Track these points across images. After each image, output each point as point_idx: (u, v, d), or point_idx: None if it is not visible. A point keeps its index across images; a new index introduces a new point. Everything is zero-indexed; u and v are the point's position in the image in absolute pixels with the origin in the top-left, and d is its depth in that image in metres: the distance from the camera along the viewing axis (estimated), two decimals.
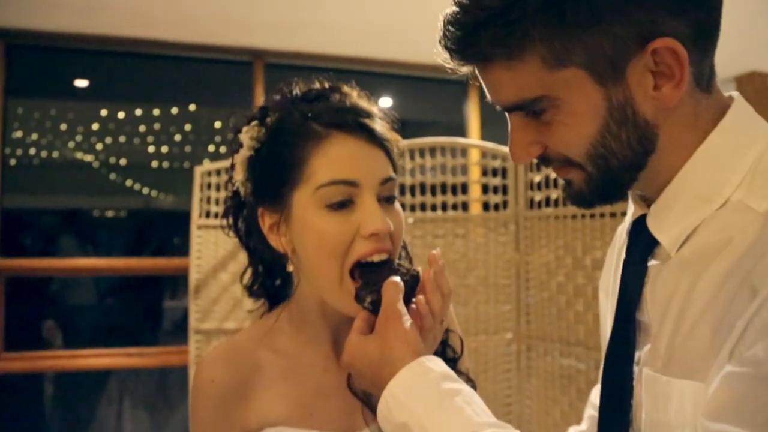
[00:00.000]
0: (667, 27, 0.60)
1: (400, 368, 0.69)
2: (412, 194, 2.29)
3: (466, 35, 0.63)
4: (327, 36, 3.27)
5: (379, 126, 0.83)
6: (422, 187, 2.29)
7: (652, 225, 0.69)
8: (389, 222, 0.79)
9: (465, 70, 0.69)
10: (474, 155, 2.36)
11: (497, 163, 2.32)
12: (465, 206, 2.35)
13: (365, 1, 2.86)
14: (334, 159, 0.79)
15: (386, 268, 0.80)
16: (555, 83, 0.62)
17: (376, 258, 0.80)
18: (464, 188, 2.33)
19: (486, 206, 2.35)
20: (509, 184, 2.31)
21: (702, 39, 0.63)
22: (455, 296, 2.32)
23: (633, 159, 0.65)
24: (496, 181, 2.31)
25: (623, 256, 0.78)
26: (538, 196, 2.22)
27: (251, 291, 0.94)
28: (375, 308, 0.77)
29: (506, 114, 0.70)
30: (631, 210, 0.77)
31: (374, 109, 0.86)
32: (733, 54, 3.48)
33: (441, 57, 0.68)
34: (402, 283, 0.77)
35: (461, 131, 3.83)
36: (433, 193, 2.29)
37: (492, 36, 0.61)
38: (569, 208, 2.10)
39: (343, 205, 0.79)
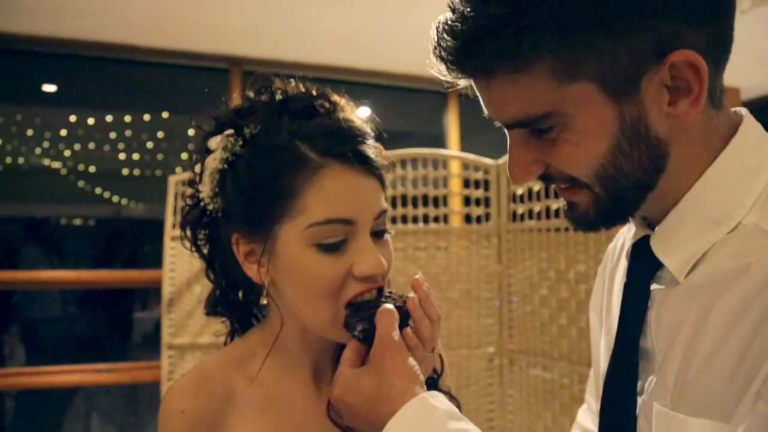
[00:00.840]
0: (687, 39, 0.57)
1: (400, 405, 0.64)
2: (393, 206, 2.25)
3: (467, 45, 0.58)
4: (305, 44, 3.23)
5: (372, 150, 0.76)
6: (403, 198, 2.25)
7: (657, 248, 0.65)
8: (384, 262, 0.74)
9: (462, 83, 0.64)
10: (455, 167, 2.33)
11: (479, 175, 2.29)
12: (446, 218, 2.32)
13: (344, 10, 2.83)
14: (331, 194, 0.71)
15: (377, 295, 0.75)
16: (564, 99, 0.58)
17: (367, 296, 0.75)
18: (446, 200, 2.31)
19: (468, 218, 2.32)
20: (491, 196, 2.29)
21: (719, 52, 0.61)
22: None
23: (643, 179, 0.62)
24: (478, 193, 2.29)
25: (618, 277, 0.75)
26: (520, 209, 2.20)
27: (214, 310, 0.85)
28: (366, 337, 0.72)
29: (505, 130, 0.66)
30: (631, 231, 0.73)
31: (366, 129, 0.78)
32: None
33: (435, 69, 0.62)
34: (396, 311, 0.72)
35: (440, 141, 3.81)
36: (415, 205, 2.26)
37: (497, 47, 0.55)
38: (552, 221, 2.08)
39: (338, 246, 0.72)
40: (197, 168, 0.80)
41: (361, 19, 2.93)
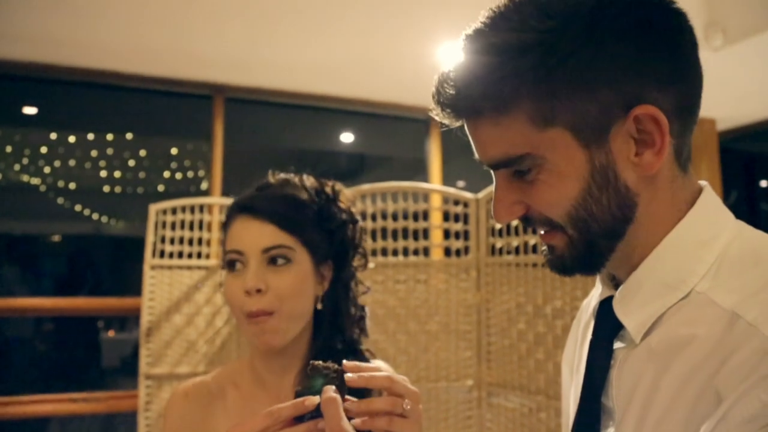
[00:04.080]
0: (651, 97, 0.61)
1: None
2: (374, 239, 2.27)
3: (460, 90, 0.63)
4: (288, 73, 3.25)
5: (284, 206, 1.03)
6: (383, 231, 2.27)
7: (618, 308, 0.68)
8: (260, 283, 0.99)
9: (457, 125, 0.69)
10: (436, 200, 2.36)
11: (459, 209, 2.32)
12: (426, 251, 2.34)
13: (326, 40, 2.86)
14: (231, 234, 1.04)
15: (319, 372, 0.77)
16: (541, 142, 0.62)
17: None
18: (426, 233, 2.33)
19: (447, 252, 2.34)
20: (471, 230, 2.31)
21: (684, 112, 0.65)
22: (417, 342, 2.30)
23: (612, 225, 0.65)
24: (458, 226, 2.31)
25: (589, 335, 0.78)
26: (499, 243, 2.23)
27: None
28: (315, 411, 0.74)
29: (492, 173, 0.70)
30: (599, 290, 0.76)
31: (298, 193, 1.06)
32: None
33: (434, 113, 0.68)
34: (338, 398, 0.74)
35: (422, 167, 3.84)
36: (395, 238, 2.28)
37: (483, 91, 0.62)
38: (530, 256, 2.11)
39: (237, 269, 1.02)
40: None
41: (343, 48, 2.96)
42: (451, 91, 0.64)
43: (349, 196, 1.17)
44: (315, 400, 0.73)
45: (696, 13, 2.82)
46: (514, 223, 2.16)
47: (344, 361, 0.78)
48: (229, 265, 1.03)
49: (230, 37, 2.80)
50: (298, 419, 0.74)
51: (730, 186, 4.30)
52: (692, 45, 0.66)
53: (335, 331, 1.07)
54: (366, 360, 1.07)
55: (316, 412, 0.73)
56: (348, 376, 0.76)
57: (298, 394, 0.76)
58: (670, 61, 0.62)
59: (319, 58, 3.04)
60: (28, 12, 2.53)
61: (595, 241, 0.65)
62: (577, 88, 0.60)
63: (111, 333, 4.55)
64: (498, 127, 0.63)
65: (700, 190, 0.68)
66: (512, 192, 0.67)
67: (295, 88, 3.45)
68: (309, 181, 1.10)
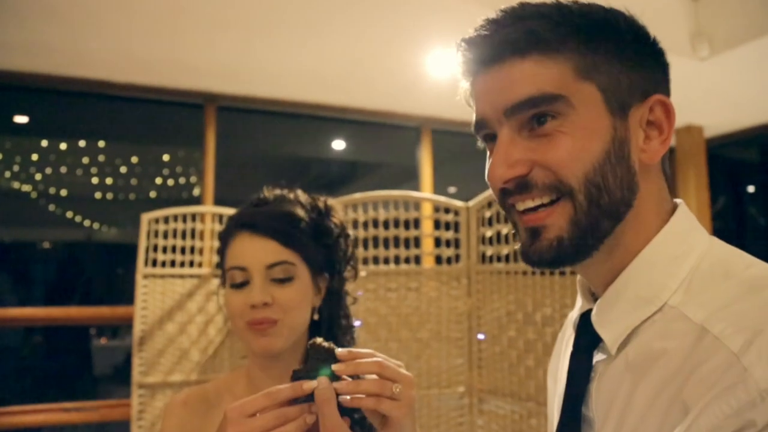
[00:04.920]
0: (664, 87, 0.69)
1: None
2: (365, 247, 2.29)
3: (506, 26, 0.66)
4: (280, 82, 3.27)
5: (285, 223, 1.08)
6: (375, 240, 2.29)
7: (596, 321, 0.70)
8: (266, 297, 1.04)
9: (479, 72, 0.69)
10: (427, 209, 2.38)
11: (450, 217, 2.35)
12: (418, 259, 2.36)
13: (319, 49, 2.88)
14: (233, 251, 1.08)
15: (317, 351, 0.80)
16: (576, 91, 0.65)
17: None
18: (417, 241, 2.35)
19: (438, 260, 2.37)
20: (461, 238, 2.34)
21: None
22: (408, 350, 2.32)
23: (618, 204, 0.66)
24: (449, 234, 2.34)
25: (570, 347, 0.80)
26: (489, 251, 2.26)
27: None
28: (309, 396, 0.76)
29: (497, 132, 0.68)
30: (579, 304, 0.79)
31: (296, 210, 1.10)
32: None
33: (460, 55, 0.70)
34: (334, 395, 0.75)
35: (413, 174, 3.87)
36: (386, 246, 2.30)
37: (535, 30, 0.65)
38: (520, 264, 2.13)
39: (241, 285, 1.07)
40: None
41: (334, 57, 2.98)
42: (495, 27, 0.67)
43: (339, 209, 1.21)
44: (312, 384, 0.75)
45: (683, 23, 2.86)
46: (504, 231, 2.19)
47: (337, 349, 0.80)
48: (232, 280, 1.07)
49: (222, 46, 2.81)
50: (294, 401, 0.76)
51: (717, 191, 4.35)
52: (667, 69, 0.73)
53: (330, 340, 1.10)
54: None
55: (311, 396, 0.75)
56: (335, 366, 0.78)
57: (295, 375, 0.78)
58: (667, 80, 0.71)
59: (310, 66, 3.06)
60: (20, 22, 2.53)
61: (600, 218, 0.65)
62: (615, 58, 0.66)
63: (103, 340, 4.54)
64: (540, 66, 0.65)
65: (676, 207, 0.71)
66: (518, 148, 0.66)
67: (287, 97, 3.47)
68: (303, 196, 1.15)
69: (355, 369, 0.78)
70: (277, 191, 1.16)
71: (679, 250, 0.67)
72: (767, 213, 4.45)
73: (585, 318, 0.73)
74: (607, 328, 0.69)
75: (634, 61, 0.67)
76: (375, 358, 0.80)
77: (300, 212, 1.11)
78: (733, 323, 0.57)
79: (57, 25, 2.58)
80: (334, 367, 0.78)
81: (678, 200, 0.73)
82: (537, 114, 0.64)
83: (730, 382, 0.54)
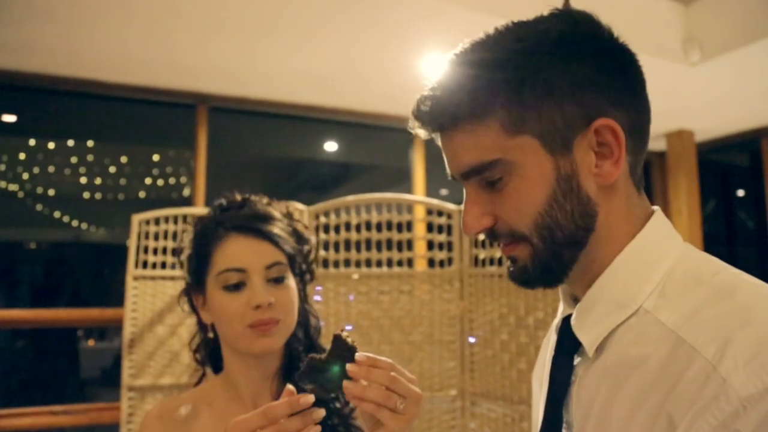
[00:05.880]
0: (609, 113, 0.68)
1: None
2: (358, 250, 2.28)
3: (441, 100, 0.69)
4: (272, 83, 3.26)
5: (273, 225, 1.10)
6: (368, 243, 2.28)
7: (575, 325, 0.72)
8: (270, 297, 1.04)
9: (433, 135, 0.74)
10: (419, 212, 2.38)
11: (442, 220, 2.34)
12: (410, 262, 2.36)
13: (311, 51, 2.87)
14: (227, 254, 1.07)
15: (329, 355, 0.81)
16: (511, 148, 0.67)
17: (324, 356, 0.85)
18: (409, 244, 2.34)
19: (431, 263, 2.36)
20: (454, 241, 2.34)
21: (634, 133, 0.70)
22: (401, 352, 2.31)
23: (575, 234, 0.69)
24: (441, 237, 2.33)
25: (551, 351, 0.81)
26: (482, 254, 2.26)
27: (196, 358, 1.19)
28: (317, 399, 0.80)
29: (464, 187, 0.74)
30: (561, 309, 0.80)
31: (275, 213, 1.13)
32: (665, 112, 3.70)
33: (412, 125, 0.74)
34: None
35: (406, 176, 3.86)
36: (379, 249, 2.29)
37: (461, 99, 0.68)
38: None
39: (237, 286, 1.06)
40: (182, 258, 1.16)
41: (327, 59, 2.97)
42: (430, 103, 0.70)
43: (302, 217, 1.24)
44: (310, 399, 0.78)
45: (675, 29, 2.88)
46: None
47: (357, 354, 0.81)
48: (226, 283, 1.06)
49: (215, 47, 2.80)
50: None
51: (707, 195, 4.38)
52: (641, 80, 0.72)
53: (308, 340, 1.15)
54: None
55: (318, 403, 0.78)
56: (350, 367, 0.79)
57: (310, 363, 0.80)
58: (624, 86, 0.69)
59: (303, 68, 3.05)
60: (9, 21, 2.50)
61: (559, 250, 0.69)
62: (545, 100, 0.66)
63: (91, 342, 4.49)
64: (472, 135, 0.68)
65: (652, 213, 0.73)
66: (482, 203, 0.70)
67: (280, 98, 3.46)
68: (271, 201, 1.18)
69: (367, 375, 0.80)
70: (246, 195, 1.17)
71: (653, 255, 0.69)
72: (756, 217, 4.49)
73: (566, 322, 0.75)
74: (586, 332, 0.70)
75: (569, 92, 0.66)
76: (391, 372, 0.81)
77: (279, 215, 1.15)
78: (704, 332, 0.60)
79: (46, 23, 2.55)
80: (348, 367, 0.79)
81: (654, 207, 0.74)
82: (483, 178, 0.69)
83: (712, 394, 0.55)
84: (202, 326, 1.18)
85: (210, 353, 1.18)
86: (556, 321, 0.82)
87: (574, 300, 0.77)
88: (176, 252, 1.16)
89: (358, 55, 2.93)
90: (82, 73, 3.05)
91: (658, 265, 0.68)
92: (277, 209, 1.16)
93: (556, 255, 0.69)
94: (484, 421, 2.24)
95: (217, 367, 1.17)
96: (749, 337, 0.56)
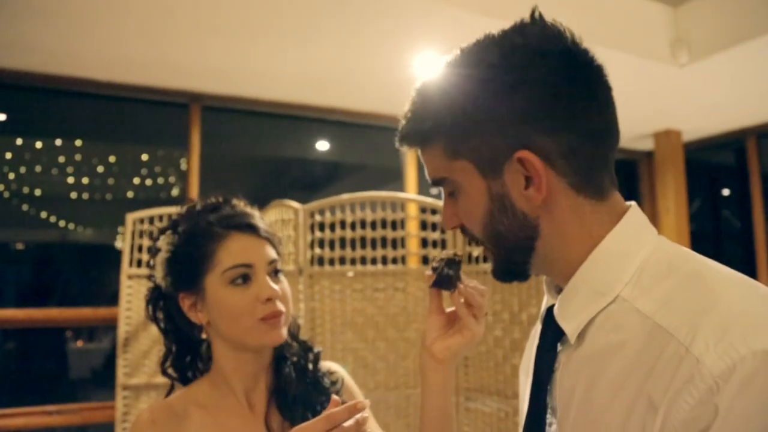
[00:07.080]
0: (533, 142, 0.72)
1: None
2: (353, 248, 2.30)
3: (405, 127, 0.80)
4: (265, 82, 3.26)
5: (260, 223, 1.14)
6: (362, 240, 2.30)
7: (558, 314, 0.76)
8: (278, 289, 1.09)
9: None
10: (412, 209, 2.39)
11: (435, 218, 2.36)
12: (404, 260, 2.38)
13: (303, 51, 2.88)
14: (233, 250, 1.09)
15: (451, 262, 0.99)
16: (453, 170, 0.76)
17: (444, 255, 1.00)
18: (403, 242, 2.36)
19: (425, 260, 2.38)
20: (447, 238, 2.36)
21: (573, 157, 0.72)
22: (396, 349, 2.33)
23: (519, 242, 0.75)
24: (435, 235, 2.35)
25: (537, 341, 0.84)
26: (475, 252, 2.28)
27: (164, 370, 1.16)
28: (441, 281, 0.98)
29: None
30: (545, 300, 0.84)
31: (256, 214, 1.17)
32: (653, 113, 3.75)
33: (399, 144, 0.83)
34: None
35: (397, 175, 3.88)
36: (373, 247, 2.31)
37: (412, 129, 0.79)
38: None
39: (245, 282, 1.08)
40: (153, 262, 1.14)
41: (319, 59, 2.98)
42: (402, 124, 0.81)
43: None
44: (366, 404, 0.89)
45: (663, 30, 2.93)
46: None
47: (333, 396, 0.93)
48: (233, 279, 1.08)
49: (208, 46, 2.80)
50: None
51: (694, 194, 4.45)
52: (596, 95, 0.73)
53: (291, 336, 1.19)
54: (318, 354, 1.21)
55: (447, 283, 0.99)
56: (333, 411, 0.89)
57: (455, 261, 0.98)
58: (566, 109, 0.71)
59: (295, 67, 3.06)
60: (0, 19, 2.49)
61: (509, 254, 0.77)
62: (474, 132, 0.73)
63: (80, 343, 4.45)
64: (426, 155, 0.79)
65: (626, 210, 0.76)
66: (450, 206, 0.81)
67: (272, 97, 3.46)
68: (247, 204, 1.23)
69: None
70: (227, 197, 1.20)
71: (629, 247, 0.73)
72: (742, 216, 4.56)
73: (549, 312, 0.79)
74: (568, 320, 0.74)
75: (496, 125, 0.72)
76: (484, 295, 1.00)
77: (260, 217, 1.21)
78: (677, 316, 0.64)
79: (36, 21, 2.54)
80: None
81: (630, 203, 0.78)
82: (444, 189, 0.80)
83: (687, 374, 0.59)
84: (177, 333, 1.15)
85: (189, 362, 1.16)
86: (541, 311, 0.85)
87: (558, 291, 0.80)
88: (152, 252, 1.15)
89: (350, 54, 2.95)
90: (72, 71, 3.04)
91: (633, 256, 0.72)
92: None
93: (509, 258, 0.77)
94: (477, 416, 2.26)
95: (186, 379, 1.17)
96: (716, 318, 0.61)
